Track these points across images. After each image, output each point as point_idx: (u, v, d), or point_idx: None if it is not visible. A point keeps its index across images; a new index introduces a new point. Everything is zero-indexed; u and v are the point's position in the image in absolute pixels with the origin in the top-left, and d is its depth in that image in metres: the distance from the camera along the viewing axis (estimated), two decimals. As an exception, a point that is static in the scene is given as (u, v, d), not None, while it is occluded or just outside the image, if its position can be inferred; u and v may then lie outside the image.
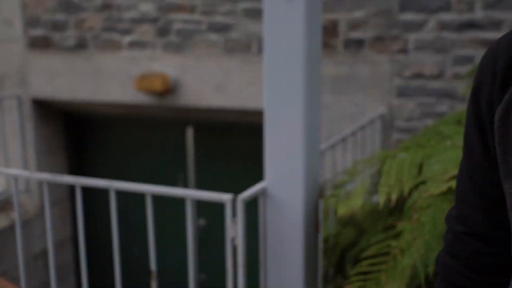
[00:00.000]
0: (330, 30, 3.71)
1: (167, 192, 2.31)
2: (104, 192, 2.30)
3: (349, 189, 2.32)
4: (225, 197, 2.16)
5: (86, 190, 2.33)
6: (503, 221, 0.99)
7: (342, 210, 2.16)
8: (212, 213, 4.34)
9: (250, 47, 3.97)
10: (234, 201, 2.15)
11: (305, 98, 2.14)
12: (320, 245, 2.26)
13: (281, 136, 2.19)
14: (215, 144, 4.66)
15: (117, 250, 2.35)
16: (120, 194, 2.29)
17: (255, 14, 3.90)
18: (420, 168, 2.07)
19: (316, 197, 2.27)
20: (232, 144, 4.58)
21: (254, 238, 2.33)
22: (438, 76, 3.57)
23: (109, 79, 4.40)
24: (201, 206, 4.33)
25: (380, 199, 2.01)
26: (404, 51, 3.62)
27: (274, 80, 2.16)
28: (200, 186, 4.63)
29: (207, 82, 4.10)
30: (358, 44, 3.69)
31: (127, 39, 4.31)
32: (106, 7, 4.33)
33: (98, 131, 5.12)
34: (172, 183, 4.58)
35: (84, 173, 4.79)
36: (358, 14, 3.66)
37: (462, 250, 1.04)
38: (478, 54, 3.42)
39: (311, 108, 2.19)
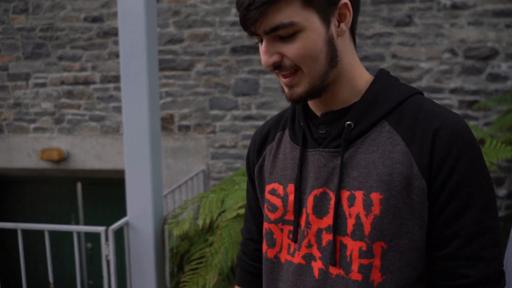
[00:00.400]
0: (169, 119, 3.65)
1: (60, 228, 2.10)
2: (14, 232, 2.01)
3: (182, 217, 2.24)
4: (100, 228, 1.98)
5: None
6: (258, 226, 0.97)
7: (177, 231, 2.06)
8: (96, 239, 4.00)
9: (118, 130, 3.78)
10: (106, 231, 1.99)
11: (151, 161, 2.06)
12: (167, 254, 2.15)
13: (137, 186, 2.07)
14: (97, 193, 4.32)
15: (24, 271, 2.05)
16: (28, 232, 2.03)
17: (121, 109, 3.74)
18: (222, 202, 2.05)
19: (162, 224, 2.18)
20: (108, 192, 4.28)
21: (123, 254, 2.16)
22: (234, 146, 3.60)
23: (19, 152, 3.92)
24: (89, 235, 4.01)
25: (200, 222, 1.96)
26: (214, 132, 3.61)
27: (131, 150, 2.07)
28: (87, 222, 4.23)
29: (90, 153, 3.81)
30: (186, 128, 3.63)
31: (32, 125, 3.89)
32: (17, 105, 3.89)
33: (11, 188, 4.51)
34: (68, 222, 4.21)
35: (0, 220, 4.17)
36: (186, 110, 3.64)
37: (248, 249, 1.00)
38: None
39: (155, 168, 2.11)
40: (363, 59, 3.35)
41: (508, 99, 2.79)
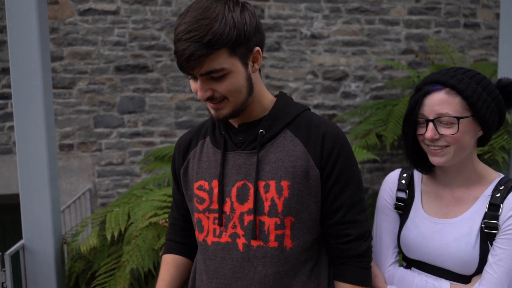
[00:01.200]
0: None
1: None
2: None
3: (83, 235, 2.19)
4: (-6, 254, 1.85)
5: None
6: (185, 218, 1.15)
7: (83, 248, 2.02)
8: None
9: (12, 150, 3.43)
10: (2, 257, 1.86)
11: (49, 179, 1.99)
12: (66, 273, 2.09)
13: (33, 206, 1.96)
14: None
15: None
16: None
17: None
18: (128, 215, 2.05)
19: (61, 244, 2.10)
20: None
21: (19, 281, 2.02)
22: (122, 163, 3.56)
23: None
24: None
25: (108, 236, 1.95)
26: (99, 150, 3.54)
27: (27, 169, 1.97)
28: None
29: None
30: (69, 146, 3.48)
31: None
32: None
33: None
34: None
35: None
36: (68, 128, 3.49)
37: (174, 229, 1.19)
38: (144, 150, 3.56)
39: (53, 186, 2.03)
40: (241, 79, 3.66)
41: (359, 113, 3.37)
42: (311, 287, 1.00)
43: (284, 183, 0.95)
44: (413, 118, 1.02)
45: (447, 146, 1.00)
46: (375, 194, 3.57)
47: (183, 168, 1.08)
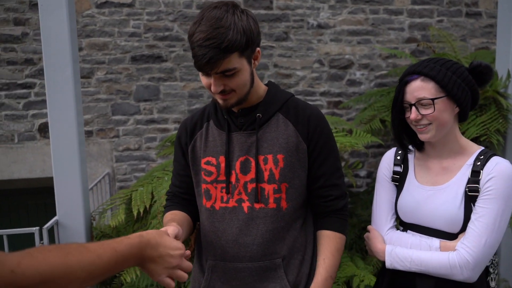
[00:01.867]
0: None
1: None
2: None
3: (113, 211, 2.37)
4: (33, 229, 2.04)
5: None
6: (186, 191, 1.31)
7: (113, 223, 2.20)
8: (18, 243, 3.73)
9: (13, 139, 3.62)
10: (40, 231, 2.06)
11: (80, 162, 2.16)
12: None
13: (66, 186, 2.11)
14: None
15: None
16: None
17: (16, 117, 3.59)
18: (152, 194, 2.20)
19: (90, 221, 2.29)
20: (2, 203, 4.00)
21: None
22: (138, 149, 3.74)
23: None
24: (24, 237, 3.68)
25: (134, 212, 2.12)
26: (117, 136, 3.71)
27: (60, 153, 2.13)
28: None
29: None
30: (89, 133, 3.64)
31: None
32: None
33: None
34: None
35: None
36: (88, 116, 3.67)
37: (174, 200, 1.33)
38: (159, 136, 3.74)
39: (83, 168, 2.20)
40: (251, 68, 3.82)
41: (363, 100, 3.52)
42: (301, 239, 1.23)
43: (280, 156, 1.18)
44: (398, 105, 1.22)
45: (430, 124, 1.19)
46: (379, 178, 3.72)
47: (191, 146, 1.27)
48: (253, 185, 1.18)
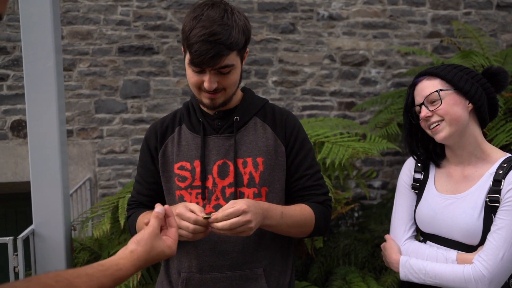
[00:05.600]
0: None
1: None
2: None
3: (95, 221, 2.40)
4: (7, 239, 2.07)
5: None
6: (153, 199, 1.36)
7: (96, 233, 2.22)
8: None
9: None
10: (15, 241, 2.08)
11: (61, 165, 2.20)
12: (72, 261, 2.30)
13: (44, 192, 2.15)
14: None
15: None
16: None
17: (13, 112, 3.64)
18: None
19: (70, 231, 2.31)
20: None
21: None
22: (124, 151, 3.78)
23: None
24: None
25: (121, 221, 2.14)
26: (100, 137, 3.75)
27: (37, 155, 2.15)
28: None
29: None
30: (69, 133, 3.67)
31: None
32: None
33: None
34: None
35: None
36: (68, 114, 3.69)
37: (142, 205, 1.40)
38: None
39: (64, 173, 2.23)
40: (253, 63, 3.87)
41: (379, 101, 3.57)
42: (282, 247, 1.34)
43: (259, 159, 1.29)
44: (408, 109, 1.35)
45: (441, 120, 1.28)
46: (395, 189, 3.75)
47: (161, 151, 1.36)
48: (232, 189, 1.28)
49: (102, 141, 3.74)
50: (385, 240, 1.42)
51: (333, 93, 3.99)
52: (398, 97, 3.45)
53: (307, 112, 3.94)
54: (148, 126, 3.75)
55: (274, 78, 3.91)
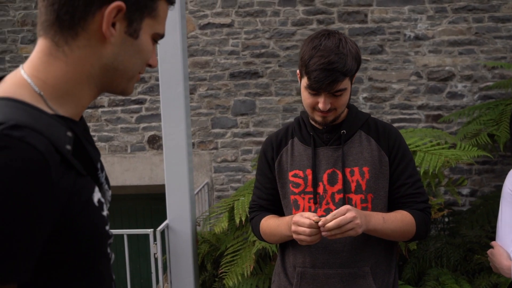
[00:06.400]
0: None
1: (120, 231, 2.29)
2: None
3: (214, 219, 2.52)
4: (148, 230, 2.24)
5: None
6: (272, 203, 1.39)
7: (217, 229, 2.33)
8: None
9: (126, 149, 4.01)
10: (154, 232, 2.25)
11: (188, 171, 2.33)
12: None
13: (176, 192, 2.28)
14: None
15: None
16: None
17: (129, 130, 3.99)
18: None
19: (195, 226, 2.45)
20: (115, 207, 4.43)
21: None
22: (235, 160, 3.92)
23: None
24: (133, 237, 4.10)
25: (236, 220, 2.23)
26: (216, 148, 3.93)
27: (171, 162, 2.32)
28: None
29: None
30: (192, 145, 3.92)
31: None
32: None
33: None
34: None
35: None
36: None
37: (262, 208, 1.42)
38: (255, 148, 3.87)
39: (190, 177, 2.37)
40: (345, 82, 3.80)
41: (466, 113, 3.31)
42: (386, 248, 1.31)
43: (365, 169, 1.28)
44: None
45: None
46: (484, 196, 3.46)
47: (277, 161, 1.38)
48: (341, 195, 1.28)
49: (217, 151, 3.90)
50: (480, 246, 1.29)
51: (420, 107, 3.78)
52: (486, 109, 3.18)
53: (396, 124, 3.77)
54: (254, 139, 3.85)
55: (365, 95, 3.81)
